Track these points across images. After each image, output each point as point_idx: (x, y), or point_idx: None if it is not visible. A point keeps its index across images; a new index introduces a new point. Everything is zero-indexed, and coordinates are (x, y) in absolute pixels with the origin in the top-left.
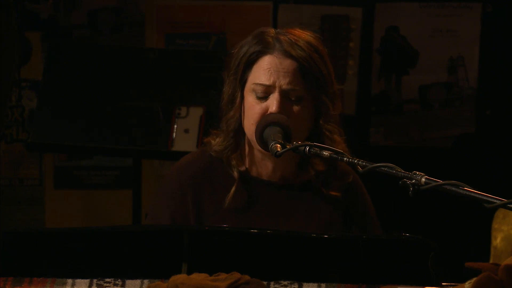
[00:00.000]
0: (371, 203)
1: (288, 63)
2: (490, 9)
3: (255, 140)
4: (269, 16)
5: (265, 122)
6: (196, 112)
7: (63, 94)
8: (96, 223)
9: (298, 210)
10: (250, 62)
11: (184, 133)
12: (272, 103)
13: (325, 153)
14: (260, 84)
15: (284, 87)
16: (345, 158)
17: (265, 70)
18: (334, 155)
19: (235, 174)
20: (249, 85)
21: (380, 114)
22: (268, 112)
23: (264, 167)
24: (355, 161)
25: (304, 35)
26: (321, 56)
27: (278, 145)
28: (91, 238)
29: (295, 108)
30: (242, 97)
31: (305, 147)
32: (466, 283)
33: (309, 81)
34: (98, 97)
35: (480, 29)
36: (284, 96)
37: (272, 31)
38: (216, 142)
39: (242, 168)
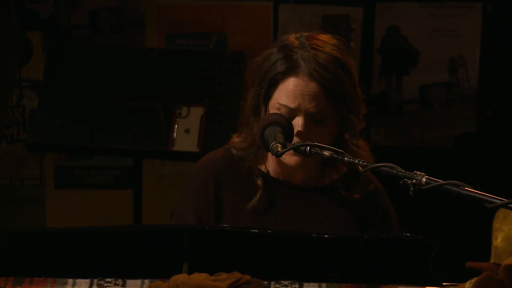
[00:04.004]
0: (392, 213)
1: (313, 86)
2: (490, 9)
3: (258, 140)
4: (269, 16)
5: (266, 122)
6: (197, 112)
7: (63, 94)
8: (96, 223)
9: (316, 213)
10: (275, 81)
11: (184, 133)
12: (297, 125)
13: (326, 153)
14: (285, 106)
15: (309, 110)
16: (345, 158)
17: (289, 92)
18: (335, 155)
19: (259, 182)
20: (273, 103)
21: (380, 114)
22: (295, 132)
23: (286, 170)
24: (356, 161)
25: (327, 48)
26: (345, 70)
27: (279, 145)
28: (91, 238)
29: (320, 128)
30: (267, 111)
31: (305, 147)
32: (467, 283)
33: (334, 101)
34: (99, 97)
35: (480, 29)
36: (309, 118)
37: (295, 43)
38: (240, 147)
39: (264, 170)
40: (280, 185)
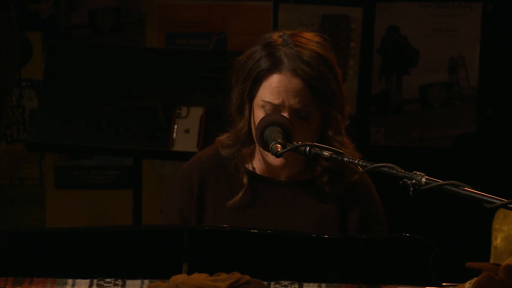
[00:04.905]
0: (378, 204)
1: (296, 82)
2: (490, 9)
3: (257, 140)
4: (269, 16)
5: (265, 122)
6: (197, 112)
7: (63, 94)
8: (96, 223)
9: (297, 207)
10: (258, 78)
11: (184, 133)
12: None
13: (326, 153)
14: (269, 102)
15: (293, 106)
16: (345, 158)
17: (273, 89)
18: (334, 155)
19: (245, 180)
20: (258, 100)
21: (380, 114)
22: None
23: (272, 168)
24: (355, 161)
25: (311, 45)
26: (329, 67)
27: (279, 145)
28: (91, 238)
29: (304, 124)
30: (251, 109)
31: (305, 147)
32: (467, 283)
33: (318, 97)
34: (99, 97)
35: (480, 29)
36: (294, 114)
37: (278, 40)
38: (226, 146)
39: (250, 168)
40: (265, 182)
